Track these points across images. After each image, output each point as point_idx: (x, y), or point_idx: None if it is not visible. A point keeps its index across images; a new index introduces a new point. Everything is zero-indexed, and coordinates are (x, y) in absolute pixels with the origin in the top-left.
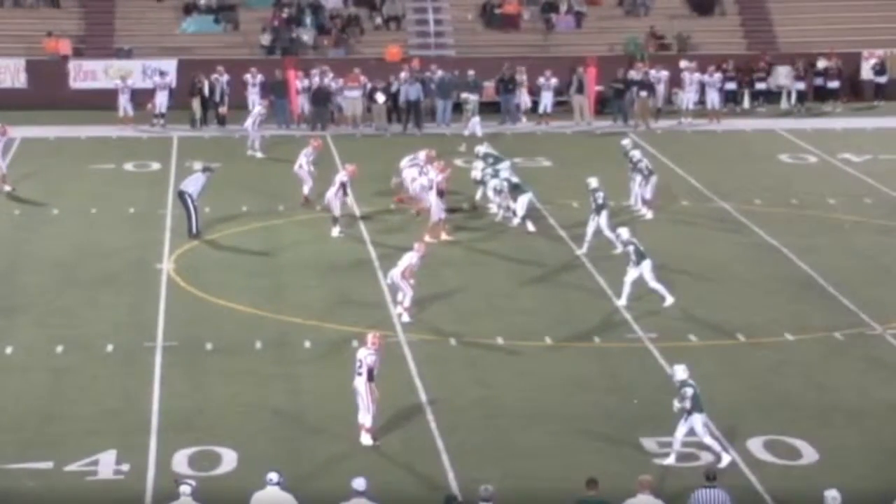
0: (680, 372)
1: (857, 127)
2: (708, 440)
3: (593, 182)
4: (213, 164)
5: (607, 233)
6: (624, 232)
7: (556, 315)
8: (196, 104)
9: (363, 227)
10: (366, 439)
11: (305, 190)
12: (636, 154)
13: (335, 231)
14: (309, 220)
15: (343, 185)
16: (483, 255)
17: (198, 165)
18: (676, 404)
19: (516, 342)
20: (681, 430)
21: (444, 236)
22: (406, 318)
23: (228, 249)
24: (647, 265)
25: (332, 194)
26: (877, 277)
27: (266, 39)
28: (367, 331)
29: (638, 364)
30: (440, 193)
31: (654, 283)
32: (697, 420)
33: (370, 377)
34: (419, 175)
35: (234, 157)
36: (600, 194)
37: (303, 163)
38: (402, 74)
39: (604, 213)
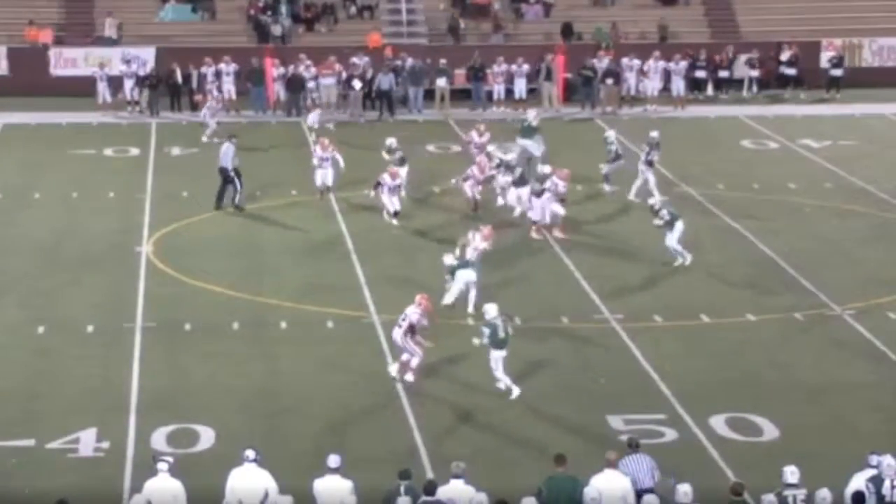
0: (490, 311)
1: (817, 114)
2: (498, 374)
3: (611, 135)
4: (234, 136)
5: (653, 188)
6: (657, 201)
7: (526, 296)
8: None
9: (338, 212)
10: (392, 369)
11: (319, 181)
12: (610, 135)
13: (394, 221)
14: (285, 206)
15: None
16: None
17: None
18: (475, 341)
19: None
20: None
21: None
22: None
23: (206, 233)
24: (679, 226)
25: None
26: (836, 260)
27: (247, 28)
28: (344, 312)
29: (604, 344)
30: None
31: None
32: (494, 356)
33: (410, 331)
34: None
35: (212, 143)
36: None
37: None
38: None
39: (650, 172)
